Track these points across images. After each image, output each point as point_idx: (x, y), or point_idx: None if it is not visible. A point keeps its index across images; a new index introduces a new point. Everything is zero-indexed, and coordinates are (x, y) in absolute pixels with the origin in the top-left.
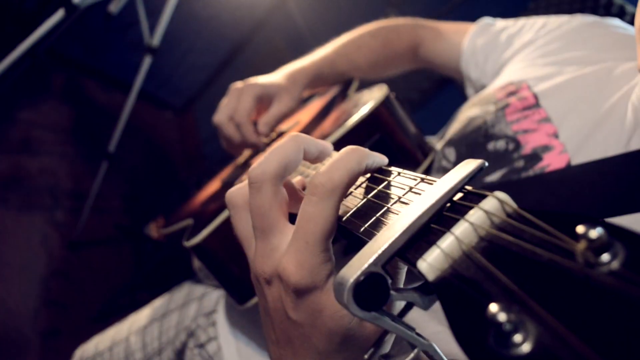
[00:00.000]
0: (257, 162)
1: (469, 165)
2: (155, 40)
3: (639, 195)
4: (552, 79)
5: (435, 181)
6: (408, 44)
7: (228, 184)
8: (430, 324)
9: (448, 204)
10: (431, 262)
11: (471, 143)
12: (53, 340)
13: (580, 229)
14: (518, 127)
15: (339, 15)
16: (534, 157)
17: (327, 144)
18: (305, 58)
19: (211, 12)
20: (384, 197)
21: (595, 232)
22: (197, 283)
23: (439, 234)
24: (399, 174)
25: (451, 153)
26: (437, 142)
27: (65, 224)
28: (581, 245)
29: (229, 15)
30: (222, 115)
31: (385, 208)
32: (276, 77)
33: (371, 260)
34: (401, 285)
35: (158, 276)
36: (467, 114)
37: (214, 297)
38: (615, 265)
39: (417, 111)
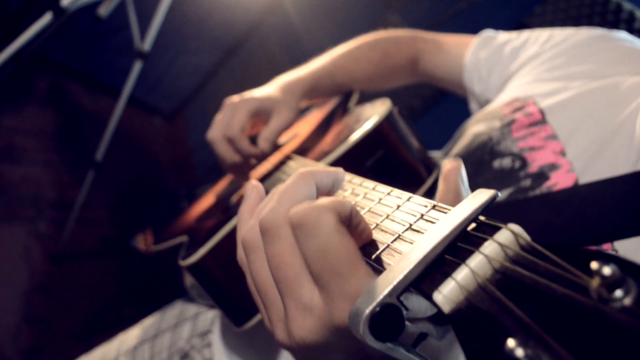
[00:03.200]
0: (267, 207)
1: (483, 196)
2: (147, 45)
3: None
4: (559, 95)
5: (446, 209)
6: (408, 56)
7: (223, 198)
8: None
9: (462, 235)
10: (446, 295)
11: (476, 160)
12: (35, 359)
13: (594, 265)
14: (524, 144)
15: (337, 18)
16: (541, 175)
17: (339, 171)
18: (301, 68)
19: (203, 13)
20: (394, 223)
21: (608, 269)
22: (190, 301)
23: (454, 266)
24: (409, 199)
25: None
26: (441, 158)
27: (48, 235)
28: (595, 282)
29: (221, 17)
30: (216, 131)
31: (397, 235)
32: (271, 89)
33: (386, 291)
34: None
35: (145, 292)
36: (472, 130)
37: (209, 316)
38: (628, 301)
39: (419, 119)
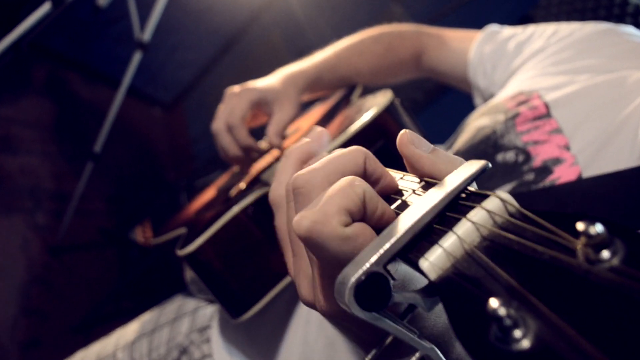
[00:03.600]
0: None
1: (473, 166)
2: (146, 35)
3: None
4: (564, 88)
5: (437, 182)
6: (412, 51)
7: (224, 190)
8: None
9: (451, 205)
10: (433, 262)
11: (479, 154)
12: (33, 351)
13: (580, 225)
14: (528, 138)
15: (340, 9)
16: (545, 169)
17: (316, 133)
18: (304, 60)
19: (204, 2)
20: (387, 199)
21: (595, 229)
22: (189, 296)
23: (441, 234)
24: (401, 177)
25: None
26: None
27: (46, 227)
28: (581, 242)
29: (222, 7)
30: (219, 122)
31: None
32: (273, 80)
33: (373, 259)
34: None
35: (144, 284)
36: (476, 123)
37: (208, 311)
38: (615, 261)
39: (421, 112)
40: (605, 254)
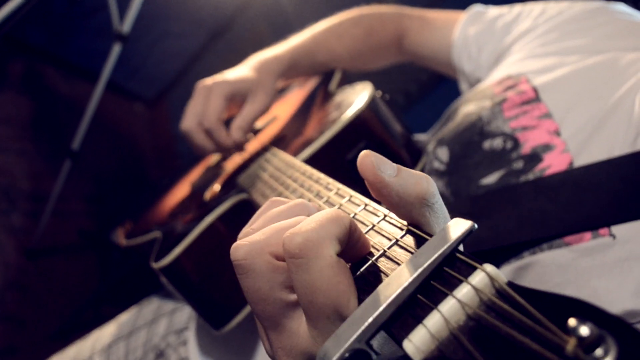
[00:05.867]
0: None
1: (460, 227)
2: (126, 26)
3: None
4: (553, 71)
5: (422, 236)
6: (393, 33)
7: (199, 189)
8: None
9: (436, 272)
10: (417, 344)
11: (465, 142)
12: (8, 359)
13: (572, 322)
14: (516, 123)
15: (328, 0)
16: (534, 157)
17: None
18: (279, 45)
19: None
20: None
21: (586, 330)
22: (167, 297)
23: (427, 310)
24: (384, 217)
25: (444, 153)
26: (428, 141)
27: (22, 229)
28: (572, 342)
29: None
30: (190, 121)
31: (371, 262)
32: (245, 69)
33: (354, 337)
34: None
35: (125, 289)
36: (462, 110)
37: (186, 312)
38: None
39: (414, 105)
40: (599, 352)
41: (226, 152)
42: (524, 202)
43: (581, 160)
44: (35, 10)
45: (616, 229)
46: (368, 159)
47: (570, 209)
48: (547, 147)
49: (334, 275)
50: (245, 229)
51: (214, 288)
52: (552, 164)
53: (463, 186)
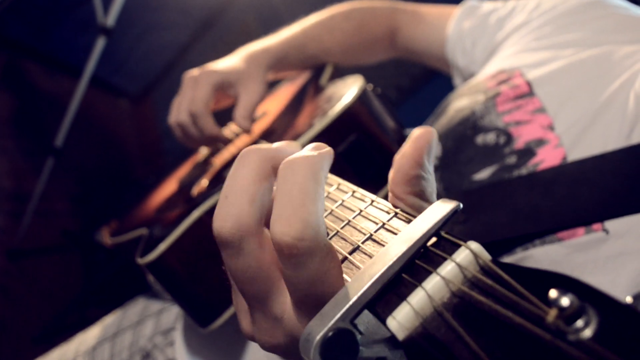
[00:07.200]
0: (220, 213)
1: (445, 207)
2: (110, 20)
3: None
4: (547, 65)
5: (409, 218)
6: (386, 28)
7: (186, 185)
8: None
9: (421, 251)
10: (401, 321)
11: (458, 136)
12: None
13: (552, 294)
14: (510, 118)
15: None
16: (527, 152)
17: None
18: (270, 37)
19: None
20: (355, 231)
21: (566, 300)
22: (154, 297)
23: (410, 288)
24: (372, 202)
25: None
26: None
27: (3, 229)
28: (552, 313)
29: None
30: (178, 112)
31: (357, 246)
32: (235, 60)
33: (338, 315)
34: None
35: (111, 290)
36: (454, 104)
37: (173, 312)
38: (587, 333)
39: (406, 99)
40: (579, 323)
41: (214, 145)
42: (516, 197)
43: (575, 155)
44: (16, 3)
45: (609, 224)
46: (429, 136)
47: (563, 204)
48: (540, 142)
49: (330, 261)
50: (221, 200)
51: (201, 284)
52: (546, 158)
53: (455, 181)
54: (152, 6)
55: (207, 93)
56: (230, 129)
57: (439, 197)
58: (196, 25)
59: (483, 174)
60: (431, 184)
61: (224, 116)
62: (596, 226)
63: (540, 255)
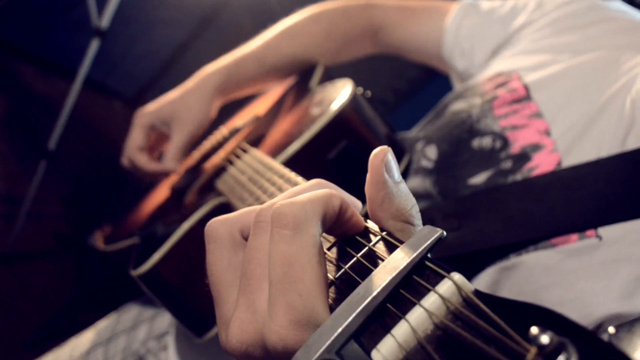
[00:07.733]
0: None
1: (429, 235)
2: (104, 21)
3: (635, 200)
4: (545, 69)
5: (394, 244)
6: (360, 27)
7: (178, 191)
8: None
9: (405, 280)
10: (385, 354)
11: (454, 140)
12: None
13: (533, 330)
14: (506, 122)
15: None
16: (523, 157)
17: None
18: (230, 54)
19: None
20: (340, 253)
21: (546, 338)
22: (148, 302)
23: (395, 319)
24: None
25: (432, 151)
26: (414, 137)
27: None
28: (533, 351)
29: None
30: (122, 156)
31: (343, 270)
32: (182, 89)
33: (324, 347)
34: None
35: (104, 295)
36: (451, 107)
37: (167, 317)
38: None
39: (404, 103)
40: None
41: (159, 177)
42: (510, 204)
43: (570, 160)
44: (10, 5)
45: (603, 230)
46: (383, 154)
47: (557, 210)
48: (536, 147)
49: (316, 254)
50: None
51: (194, 294)
52: (540, 163)
53: (451, 185)
54: (146, 8)
55: (138, 136)
56: (220, 133)
57: (434, 200)
58: (191, 26)
59: (478, 178)
60: (405, 199)
61: (223, 115)
62: (590, 232)
63: (533, 261)
